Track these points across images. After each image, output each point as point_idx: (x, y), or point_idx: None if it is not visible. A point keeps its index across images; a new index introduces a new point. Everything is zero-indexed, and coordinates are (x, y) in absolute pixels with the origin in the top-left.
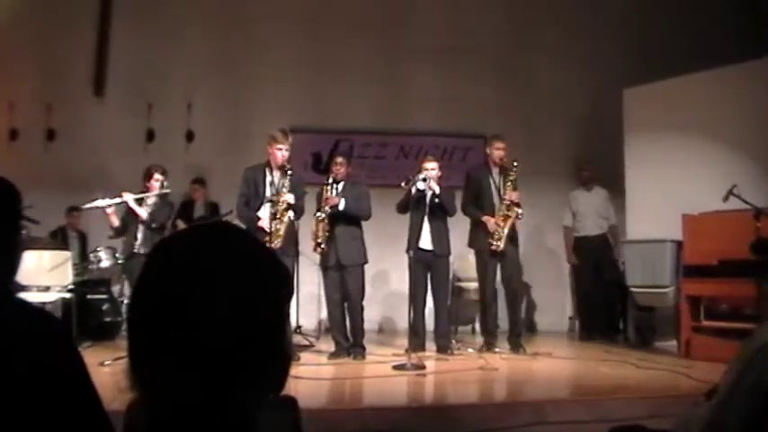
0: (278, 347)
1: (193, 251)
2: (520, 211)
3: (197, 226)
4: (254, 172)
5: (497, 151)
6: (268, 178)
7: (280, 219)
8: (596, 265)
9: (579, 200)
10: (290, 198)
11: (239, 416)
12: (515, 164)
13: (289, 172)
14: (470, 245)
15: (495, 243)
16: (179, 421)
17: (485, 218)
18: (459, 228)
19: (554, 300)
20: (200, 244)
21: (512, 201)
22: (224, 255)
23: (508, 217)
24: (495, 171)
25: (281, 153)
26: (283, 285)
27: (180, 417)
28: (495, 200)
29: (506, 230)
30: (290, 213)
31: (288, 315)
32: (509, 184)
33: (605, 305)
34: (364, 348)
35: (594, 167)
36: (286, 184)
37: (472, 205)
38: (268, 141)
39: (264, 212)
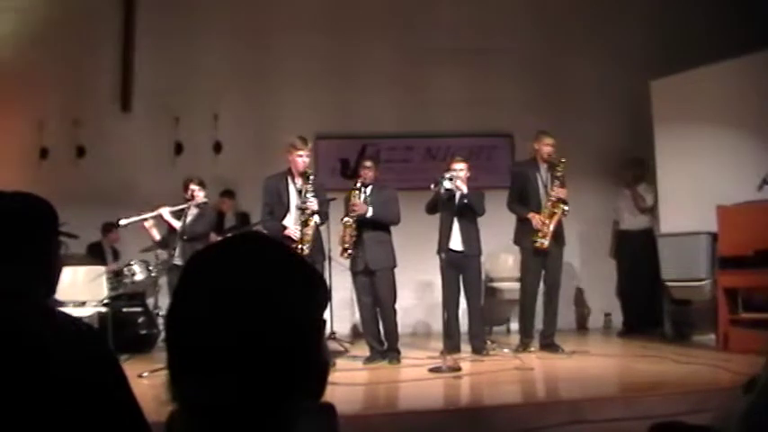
0: (315, 355)
1: (226, 262)
2: (566, 207)
3: (229, 237)
4: (275, 181)
5: (546, 147)
6: (291, 186)
7: (307, 225)
8: (636, 260)
9: (624, 195)
10: (314, 204)
11: (276, 424)
12: (563, 160)
13: (311, 177)
14: (516, 242)
15: (539, 240)
16: (217, 429)
17: (530, 215)
18: (489, 227)
19: (589, 296)
20: (232, 255)
21: (558, 197)
22: (256, 265)
23: (554, 213)
24: (543, 167)
25: (301, 159)
26: (317, 292)
27: (217, 426)
28: (542, 196)
29: (552, 227)
30: (316, 218)
31: (324, 322)
32: (557, 180)
33: (645, 300)
34: (399, 352)
35: (643, 166)
36: (309, 190)
37: (517, 202)
38: (287, 149)
39: (290, 221)
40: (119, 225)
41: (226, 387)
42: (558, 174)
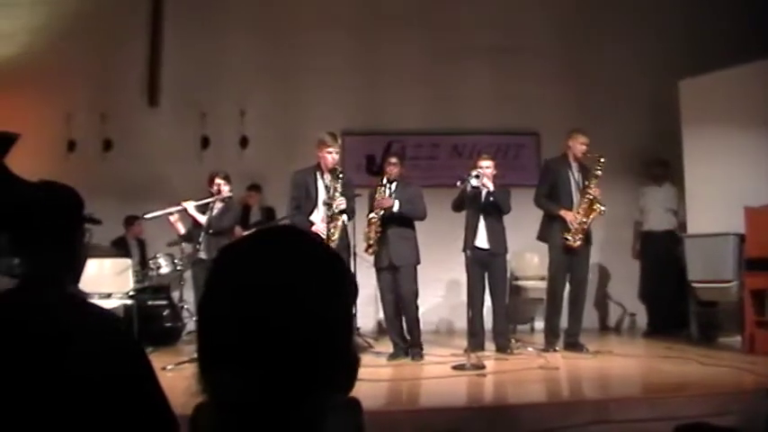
0: (343, 349)
1: (254, 257)
2: (603, 207)
3: (257, 231)
4: (303, 176)
5: (581, 146)
6: (320, 181)
7: (334, 222)
8: (661, 261)
9: (647, 195)
10: (342, 203)
11: (303, 418)
12: (602, 159)
13: (340, 175)
14: (542, 238)
15: (570, 237)
16: (244, 423)
17: (563, 212)
18: (515, 225)
19: (613, 297)
20: (260, 249)
21: (595, 196)
22: (284, 259)
23: (592, 211)
24: (575, 166)
25: (330, 156)
26: (347, 285)
27: (245, 420)
28: (574, 194)
29: (588, 225)
30: (344, 217)
31: (353, 315)
32: (594, 179)
33: (670, 301)
34: (422, 348)
35: (667, 166)
36: (338, 188)
37: (546, 198)
38: (317, 145)
39: (317, 216)
40: (143, 218)
41: (253, 382)
42: (598, 173)
